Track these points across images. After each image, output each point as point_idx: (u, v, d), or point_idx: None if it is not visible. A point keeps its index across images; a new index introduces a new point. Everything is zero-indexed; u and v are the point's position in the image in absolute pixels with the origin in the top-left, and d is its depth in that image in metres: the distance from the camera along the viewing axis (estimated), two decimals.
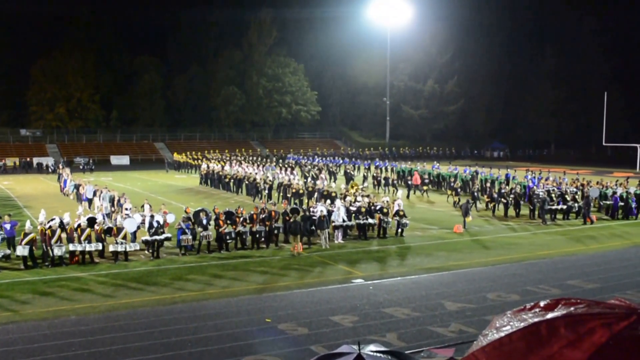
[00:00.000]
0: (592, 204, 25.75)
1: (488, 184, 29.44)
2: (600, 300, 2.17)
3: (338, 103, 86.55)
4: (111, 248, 16.93)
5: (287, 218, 18.72)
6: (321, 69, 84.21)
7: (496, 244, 19.88)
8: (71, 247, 16.61)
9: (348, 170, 40.76)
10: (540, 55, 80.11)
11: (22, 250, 16.04)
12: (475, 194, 28.07)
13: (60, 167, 43.62)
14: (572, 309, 1.98)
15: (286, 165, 45.40)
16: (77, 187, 30.50)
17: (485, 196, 27.40)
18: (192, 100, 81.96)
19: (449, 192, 31.82)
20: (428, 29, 75.27)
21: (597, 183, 28.92)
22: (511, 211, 25.85)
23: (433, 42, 77.30)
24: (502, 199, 26.01)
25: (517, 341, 1.92)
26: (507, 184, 32.24)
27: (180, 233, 17.93)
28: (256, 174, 33.81)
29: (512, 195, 26.22)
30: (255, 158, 55.46)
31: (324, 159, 54.38)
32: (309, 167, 44.54)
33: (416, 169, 38.98)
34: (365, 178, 38.52)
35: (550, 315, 1.97)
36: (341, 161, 51.54)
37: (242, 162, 47.06)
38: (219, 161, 48.17)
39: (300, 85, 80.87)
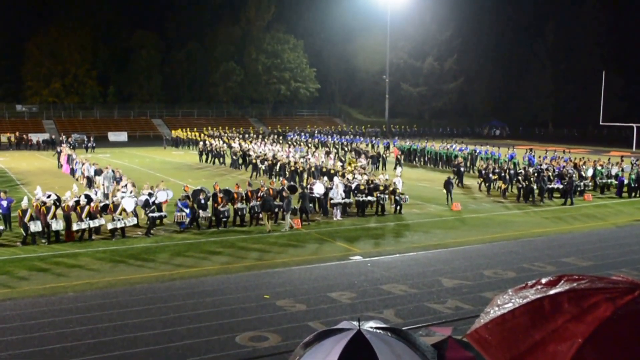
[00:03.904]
0: (582, 184, 25.35)
1: (491, 163, 28.96)
2: (600, 275, 2.14)
3: (337, 80, 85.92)
4: (109, 226, 16.85)
5: (285, 195, 18.72)
6: (320, 45, 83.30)
7: (493, 222, 19.94)
8: (75, 226, 16.52)
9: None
10: (539, 34, 79.36)
11: (35, 227, 15.88)
12: (482, 171, 27.61)
13: (65, 146, 42.83)
14: (575, 284, 1.96)
15: (316, 146, 44.78)
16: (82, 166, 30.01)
17: (495, 176, 26.36)
18: (190, 76, 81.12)
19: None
20: (428, 6, 74.39)
21: (595, 162, 28.93)
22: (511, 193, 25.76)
23: (433, 20, 76.51)
24: (520, 182, 24.51)
25: (520, 317, 1.90)
26: (511, 164, 31.74)
27: (178, 211, 17.94)
28: (281, 154, 32.94)
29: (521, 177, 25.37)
30: (276, 137, 53.26)
31: (340, 137, 53.47)
32: (346, 149, 43.32)
33: (396, 145, 39.66)
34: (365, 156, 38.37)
35: (553, 291, 1.95)
36: (369, 140, 50.70)
37: (268, 142, 44.83)
38: (243, 139, 47.28)
39: (299, 62, 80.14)
